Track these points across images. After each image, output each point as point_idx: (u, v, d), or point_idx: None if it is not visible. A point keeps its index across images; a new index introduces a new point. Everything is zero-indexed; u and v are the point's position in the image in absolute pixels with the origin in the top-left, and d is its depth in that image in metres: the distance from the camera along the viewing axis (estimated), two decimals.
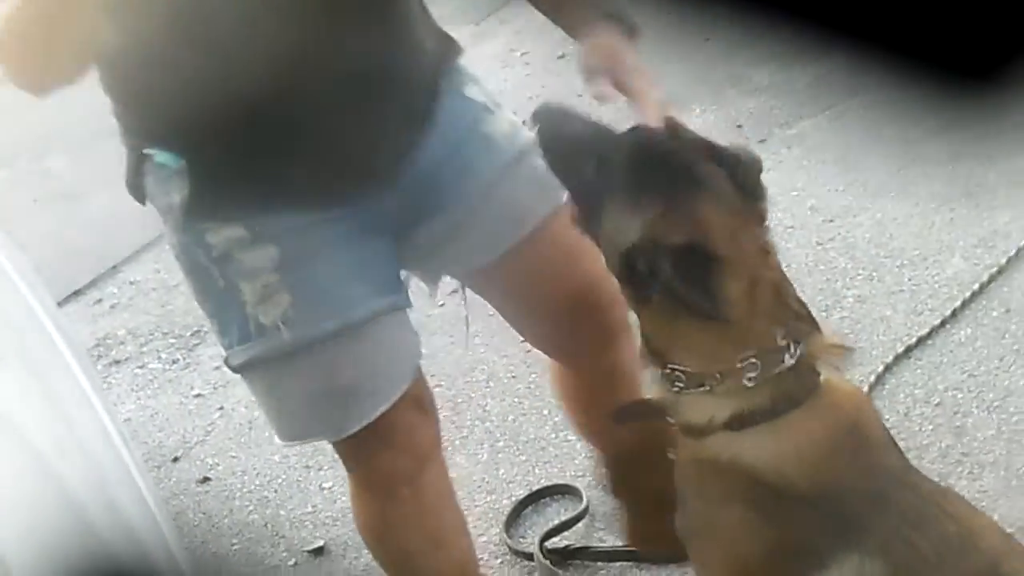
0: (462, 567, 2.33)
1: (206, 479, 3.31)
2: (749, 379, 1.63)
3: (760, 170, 1.74)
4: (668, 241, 1.61)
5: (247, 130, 1.82)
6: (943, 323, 3.17)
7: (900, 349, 3.09)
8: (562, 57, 5.66)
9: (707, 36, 5.34)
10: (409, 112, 2.00)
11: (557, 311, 2.20)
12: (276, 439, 2.15)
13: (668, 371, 1.70)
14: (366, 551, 2.85)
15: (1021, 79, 3.63)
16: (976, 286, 3.26)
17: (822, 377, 1.68)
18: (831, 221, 3.72)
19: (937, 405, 2.90)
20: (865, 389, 2.85)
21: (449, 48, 2.12)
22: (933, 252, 3.50)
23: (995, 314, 3.17)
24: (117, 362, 4.00)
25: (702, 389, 1.67)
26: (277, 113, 1.82)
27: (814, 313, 1.74)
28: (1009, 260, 3.34)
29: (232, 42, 1.76)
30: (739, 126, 4.53)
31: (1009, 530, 1.72)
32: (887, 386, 2.97)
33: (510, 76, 5.65)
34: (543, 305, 2.19)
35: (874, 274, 3.48)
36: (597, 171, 1.74)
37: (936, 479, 1.74)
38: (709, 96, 4.85)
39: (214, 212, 1.91)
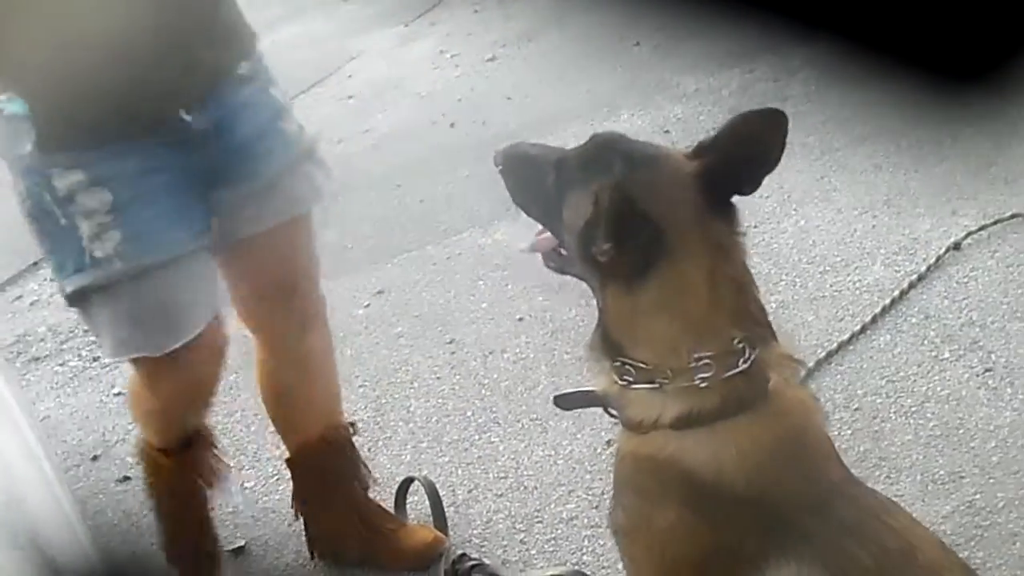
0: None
1: (126, 478, 3.26)
2: (701, 379, 1.62)
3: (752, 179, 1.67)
4: (615, 208, 1.59)
5: (77, 71, 2.04)
6: (863, 329, 3.22)
7: (821, 354, 3.13)
8: (491, 59, 5.69)
9: (636, 41, 5.38)
10: (213, 58, 2.28)
11: (275, 289, 2.54)
12: (103, 356, 2.44)
13: (618, 363, 1.68)
14: (287, 550, 2.86)
15: (943, 92, 3.69)
16: (896, 293, 3.31)
17: (773, 382, 1.66)
18: (755, 227, 3.75)
19: (856, 410, 2.94)
20: None
21: (248, 30, 2.40)
22: (855, 259, 3.55)
23: (914, 320, 3.22)
24: (37, 359, 3.95)
25: (651, 385, 1.66)
26: (102, 54, 2.03)
27: None
28: (929, 268, 3.40)
29: None
30: (667, 131, 4.57)
31: None
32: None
33: (440, 77, 5.59)
34: (266, 283, 2.53)
35: (796, 280, 3.52)
36: (556, 176, 1.74)
37: None
38: (637, 101, 4.89)
39: (59, 158, 2.17)
